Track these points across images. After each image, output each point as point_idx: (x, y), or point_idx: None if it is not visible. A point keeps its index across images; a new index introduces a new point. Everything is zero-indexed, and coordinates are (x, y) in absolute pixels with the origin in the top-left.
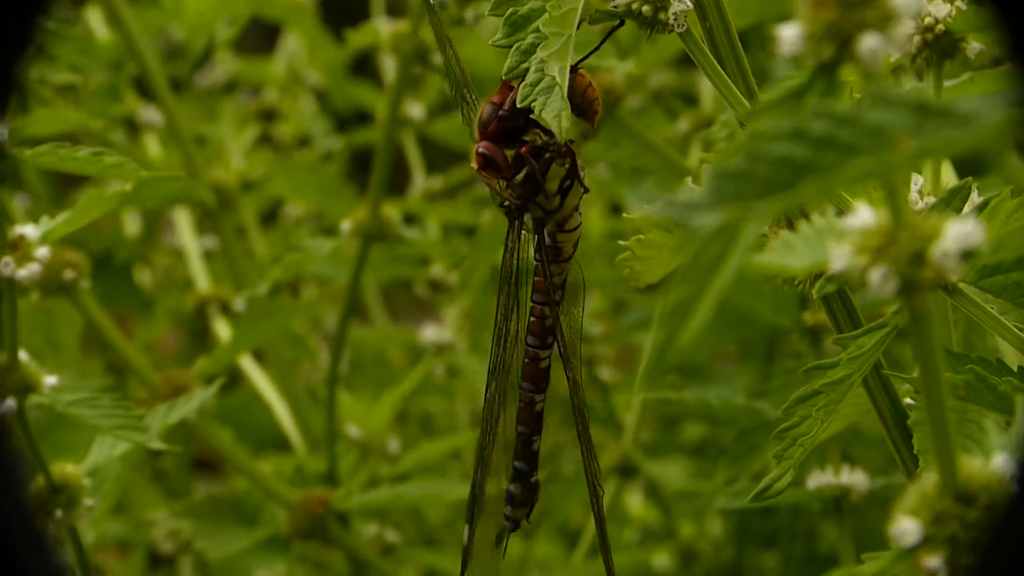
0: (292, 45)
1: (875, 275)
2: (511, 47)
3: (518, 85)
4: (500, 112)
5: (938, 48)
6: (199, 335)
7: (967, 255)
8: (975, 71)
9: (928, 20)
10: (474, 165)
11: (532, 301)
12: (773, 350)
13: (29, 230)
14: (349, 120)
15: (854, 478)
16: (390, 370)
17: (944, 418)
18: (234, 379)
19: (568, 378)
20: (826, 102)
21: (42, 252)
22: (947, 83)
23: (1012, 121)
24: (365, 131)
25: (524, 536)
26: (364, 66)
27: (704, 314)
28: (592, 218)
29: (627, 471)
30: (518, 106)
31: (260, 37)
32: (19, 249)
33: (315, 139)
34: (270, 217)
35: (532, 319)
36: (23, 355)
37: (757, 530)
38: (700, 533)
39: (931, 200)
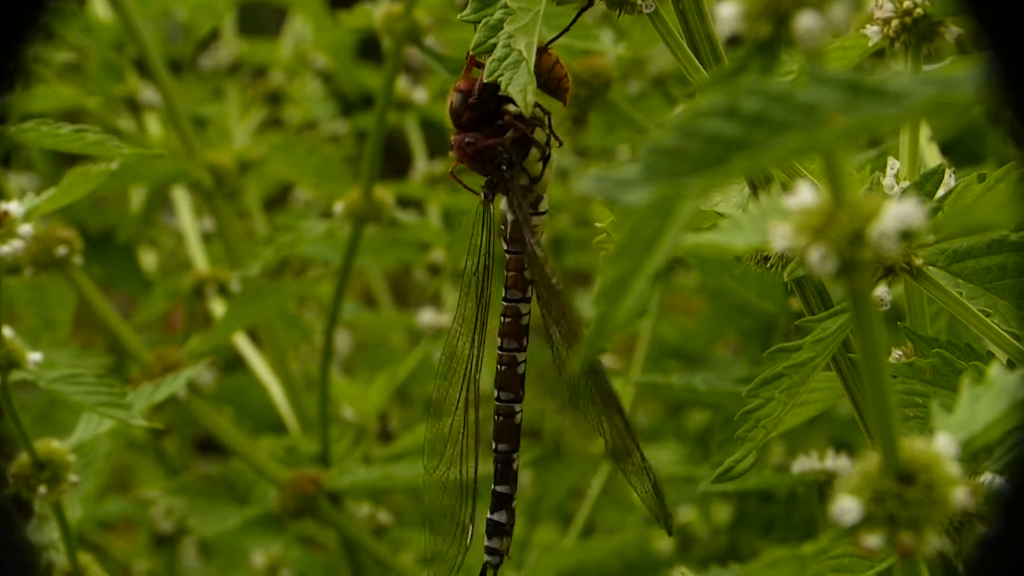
0: (299, 27)
1: (814, 255)
2: (479, 22)
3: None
4: (470, 100)
5: (916, 32)
6: (201, 316)
7: (907, 235)
8: (960, 56)
9: (907, 4)
10: (454, 156)
11: (506, 300)
12: (770, 337)
13: (13, 207)
14: (356, 103)
15: (838, 463)
16: (394, 354)
17: (885, 398)
18: (238, 361)
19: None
20: (760, 80)
21: (25, 229)
22: (930, 67)
23: (944, 98)
24: (370, 115)
25: (529, 520)
26: (374, 49)
27: (639, 290)
28: (599, 206)
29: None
30: (485, 81)
31: (269, 20)
32: (2, 226)
33: (321, 122)
34: (280, 200)
35: (507, 319)
36: (7, 331)
37: (755, 516)
38: (698, 518)
39: (906, 184)
